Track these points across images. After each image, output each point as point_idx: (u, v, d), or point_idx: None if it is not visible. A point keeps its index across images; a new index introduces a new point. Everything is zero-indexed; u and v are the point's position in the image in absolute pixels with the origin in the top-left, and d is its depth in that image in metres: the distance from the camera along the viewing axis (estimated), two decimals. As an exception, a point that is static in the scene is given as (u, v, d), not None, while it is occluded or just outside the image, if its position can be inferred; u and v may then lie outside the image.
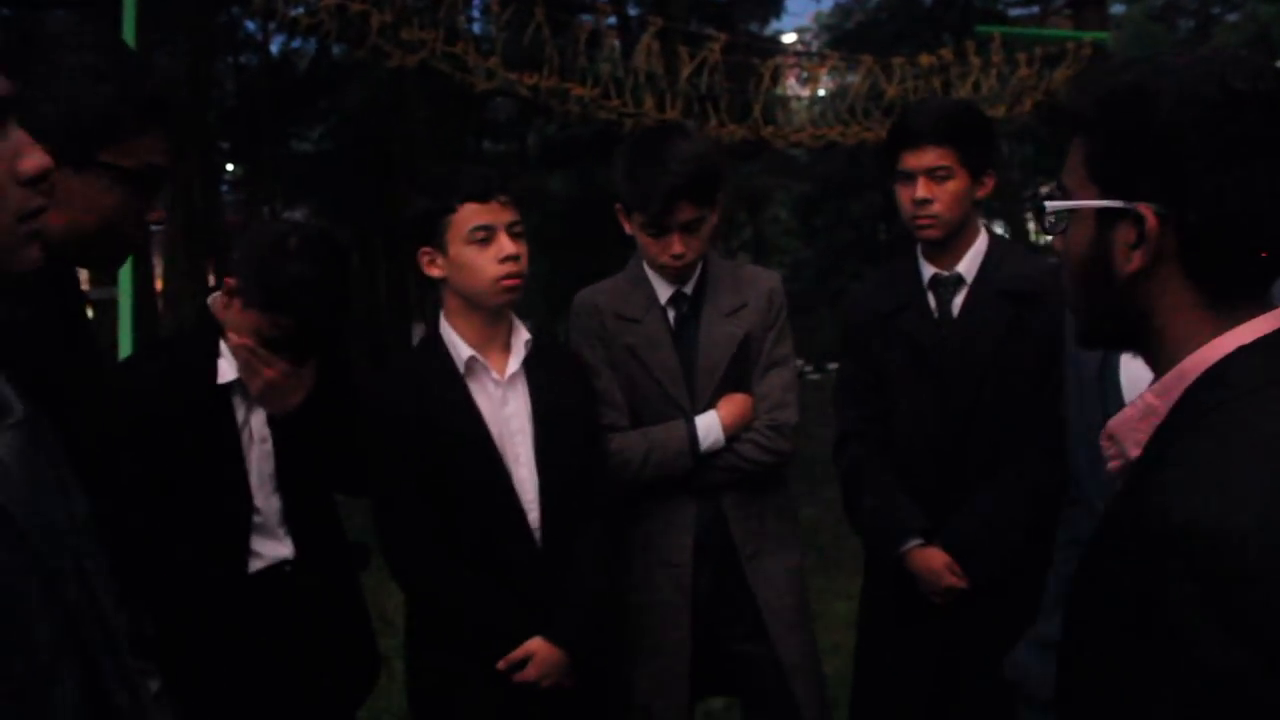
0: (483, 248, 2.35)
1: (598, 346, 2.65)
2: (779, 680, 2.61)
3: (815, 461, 4.35)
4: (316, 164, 24.69)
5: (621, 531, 2.62)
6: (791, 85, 12.64)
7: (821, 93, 12.92)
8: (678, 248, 2.54)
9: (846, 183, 24.61)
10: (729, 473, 2.61)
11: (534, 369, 2.45)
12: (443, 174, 2.45)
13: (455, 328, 2.44)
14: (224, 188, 21.79)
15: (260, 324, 2.21)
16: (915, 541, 2.62)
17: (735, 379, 2.63)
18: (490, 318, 2.43)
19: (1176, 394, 1.15)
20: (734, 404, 2.60)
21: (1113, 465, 1.24)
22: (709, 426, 2.57)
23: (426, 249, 2.40)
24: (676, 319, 2.67)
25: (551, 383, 2.46)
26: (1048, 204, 1.23)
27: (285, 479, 2.32)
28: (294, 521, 2.34)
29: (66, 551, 1.12)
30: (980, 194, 2.64)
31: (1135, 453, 1.19)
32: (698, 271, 2.66)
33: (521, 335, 2.47)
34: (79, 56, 1.51)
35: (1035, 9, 22.57)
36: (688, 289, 2.67)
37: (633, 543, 2.64)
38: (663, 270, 2.63)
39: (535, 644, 2.34)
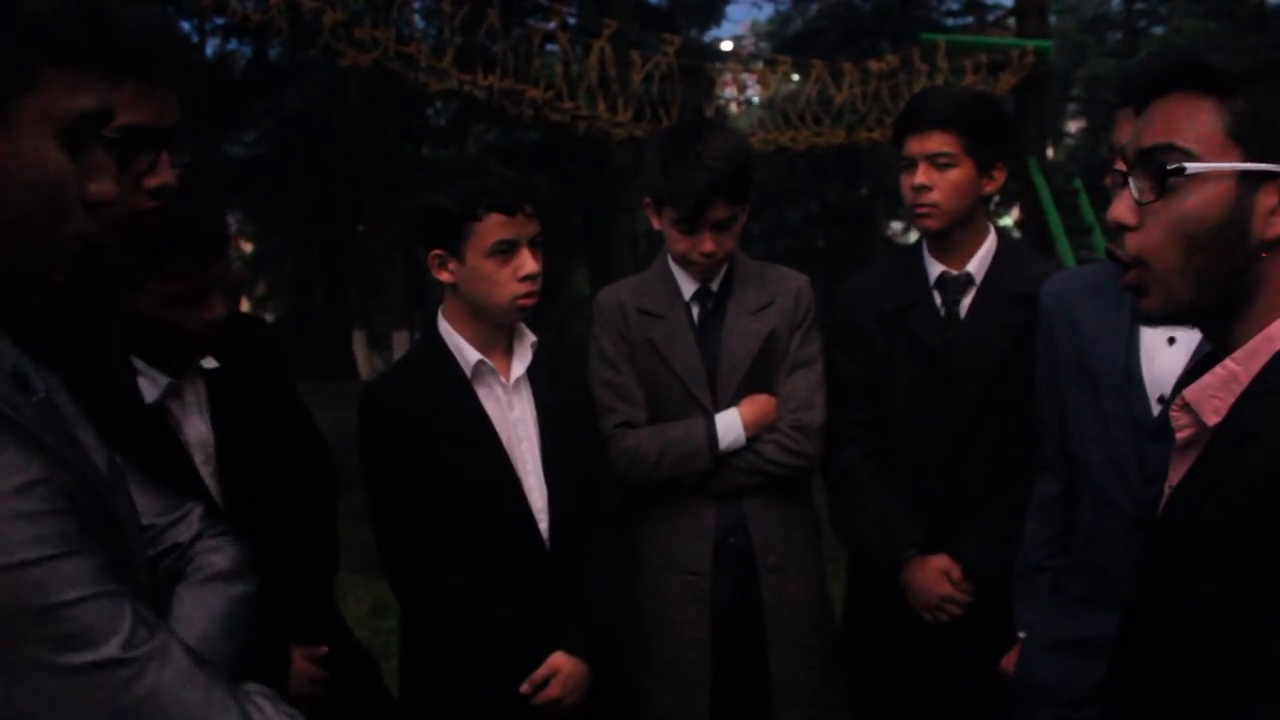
0: (503, 261, 2.23)
1: (619, 341, 2.57)
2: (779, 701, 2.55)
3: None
4: (250, 168, 24.33)
5: (627, 537, 2.55)
6: (730, 92, 12.65)
7: (755, 99, 12.98)
8: (709, 245, 2.48)
9: (783, 190, 24.77)
10: (750, 475, 2.53)
11: (538, 372, 2.37)
12: (467, 172, 2.24)
13: (459, 331, 2.34)
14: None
15: (163, 287, 1.94)
16: (912, 552, 2.55)
17: (759, 379, 2.56)
18: (497, 323, 2.34)
19: (1264, 359, 1.16)
20: (756, 403, 2.53)
21: (1182, 434, 1.24)
22: (729, 425, 2.50)
23: (439, 251, 2.26)
24: (700, 315, 2.60)
25: (556, 386, 2.38)
26: (1189, 166, 1.18)
27: (229, 493, 2.14)
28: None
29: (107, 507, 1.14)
30: (989, 188, 2.57)
31: (1214, 420, 1.19)
32: (724, 268, 2.59)
33: (527, 338, 2.38)
34: None
35: (970, 19, 22.92)
36: (713, 286, 2.60)
37: (649, 548, 2.57)
38: (691, 267, 2.56)
39: (558, 659, 2.24)
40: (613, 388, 2.57)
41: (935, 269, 2.62)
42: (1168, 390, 2.02)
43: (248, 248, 32.10)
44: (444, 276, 2.28)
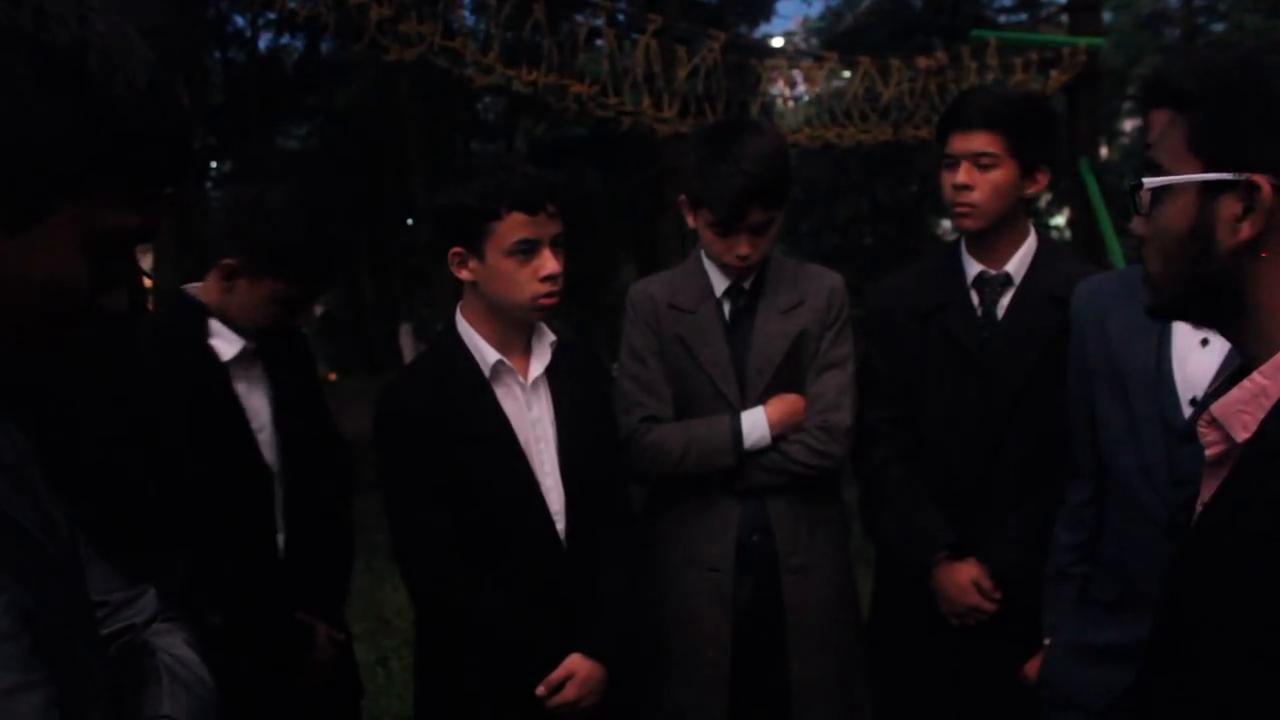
0: (524, 261, 2.20)
1: (649, 335, 2.56)
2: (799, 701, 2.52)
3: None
4: (302, 162, 24.62)
5: (647, 536, 2.53)
6: (779, 88, 12.60)
7: (805, 96, 12.89)
8: (744, 249, 2.47)
9: (833, 187, 24.63)
10: (775, 474, 2.51)
11: (556, 372, 2.33)
12: (489, 170, 2.22)
13: (478, 330, 2.30)
14: (209, 184, 21.65)
15: (276, 290, 2.17)
16: (943, 555, 2.52)
17: (789, 378, 2.54)
18: (516, 322, 2.30)
19: None
20: (784, 402, 2.51)
21: (1213, 450, 1.22)
22: (755, 423, 2.49)
23: (459, 249, 2.23)
24: (732, 312, 2.58)
25: (574, 386, 2.35)
26: (1147, 181, 1.23)
27: (285, 469, 2.29)
28: (289, 514, 2.31)
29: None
30: (1031, 190, 2.53)
31: (1244, 435, 1.17)
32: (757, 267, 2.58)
33: (546, 337, 2.34)
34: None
35: (1024, 16, 22.65)
36: (745, 283, 2.58)
37: (672, 545, 2.56)
38: (726, 268, 2.55)
39: (574, 662, 2.22)
40: (640, 382, 2.57)
41: (974, 268, 2.58)
42: (1200, 392, 1.98)
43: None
44: (464, 275, 2.25)
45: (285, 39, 22.18)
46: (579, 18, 9.55)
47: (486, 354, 2.28)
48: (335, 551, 2.46)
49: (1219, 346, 2.00)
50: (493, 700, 2.24)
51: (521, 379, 2.30)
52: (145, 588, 1.27)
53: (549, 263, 2.20)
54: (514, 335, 2.31)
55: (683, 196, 2.55)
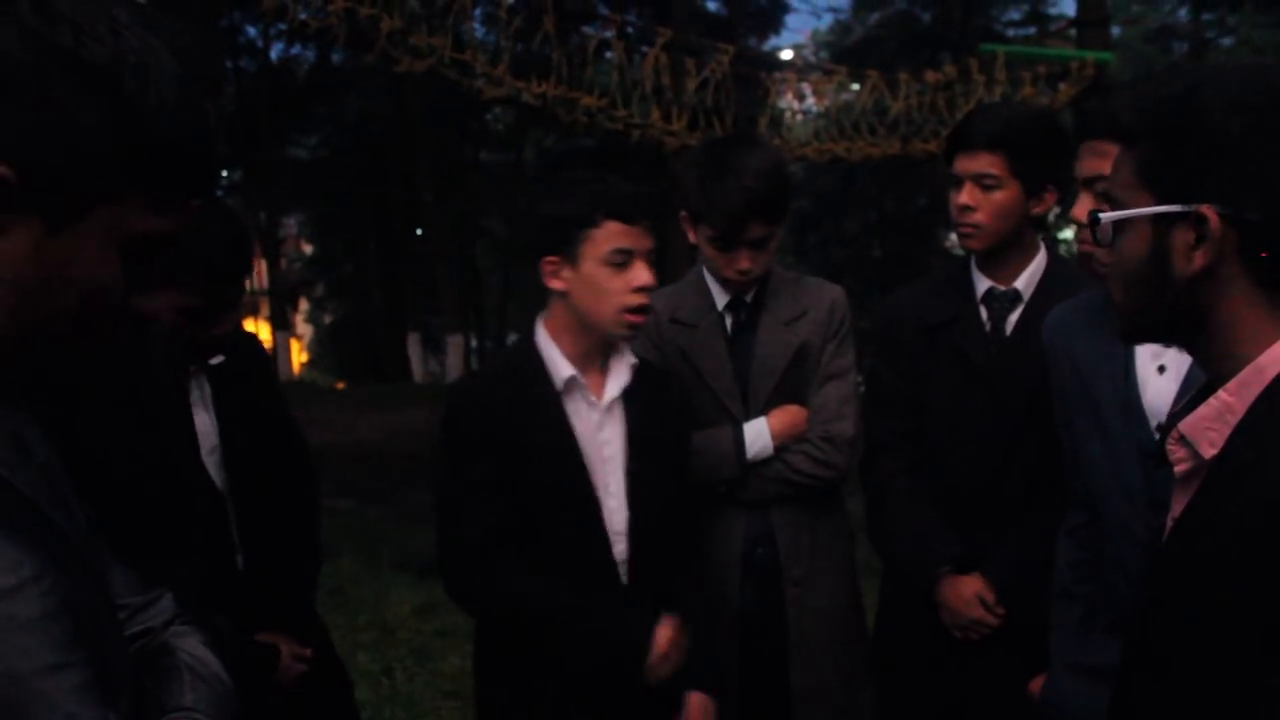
0: (618, 271, 2.19)
1: (651, 349, 2.57)
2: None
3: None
4: (312, 171, 24.71)
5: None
6: (789, 101, 12.63)
7: (816, 108, 12.90)
8: (745, 264, 2.48)
9: (841, 200, 24.65)
10: (779, 484, 2.53)
11: (633, 395, 2.30)
12: (587, 180, 2.25)
13: (557, 342, 2.28)
14: (219, 193, 21.72)
15: (178, 299, 2.06)
16: (947, 569, 2.52)
17: (792, 390, 2.55)
18: (599, 339, 2.27)
19: (1256, 391, 1.18)
20: (786, 413, 2.53)
21: (1180, 467, 1.25)
22: (757, 433, 2.50)
23: (553, 258, 2.22)
24: (734, 325, 2.60)
25: (649, 411, 2.32)
26: (1103, 215, 1.26)
27: (235, 489, 2.25)
28: (244, 534, 2.28)
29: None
30: (1038, 209, 2.53)
31: (1211, 452, 1.20)
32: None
33: (626, 358, 2.31)
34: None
35: (1033, 30, 22.69)
36: (747, 296, 2.60)
37: None
38: (727, 283, 2.57)
39: (665, 627, 2.18)
40: None
41: (983, 284, 2.59)
42: (1163, 417, 2.00)
43: (307, 249, 32.53)
44: (556, 284, 2.24)
45: (296, 49, 22.28)
46: (588, 30, 9.59)
47: (561, 367, 2.26)
48: (296, 565, 2.45)
49: (1175, 372, 2.04)
50: (555, 703, 2.21)
51: (593, 398, 2.28)
52: (161, 591, 1.31)
53: (642, 274, 2.20)
54: (594, 353, 2.29)
55: (684, 212, 2.56)
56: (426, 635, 5.19)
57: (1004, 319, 2.56)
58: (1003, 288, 2.57)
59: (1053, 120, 2.70)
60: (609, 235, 2.18)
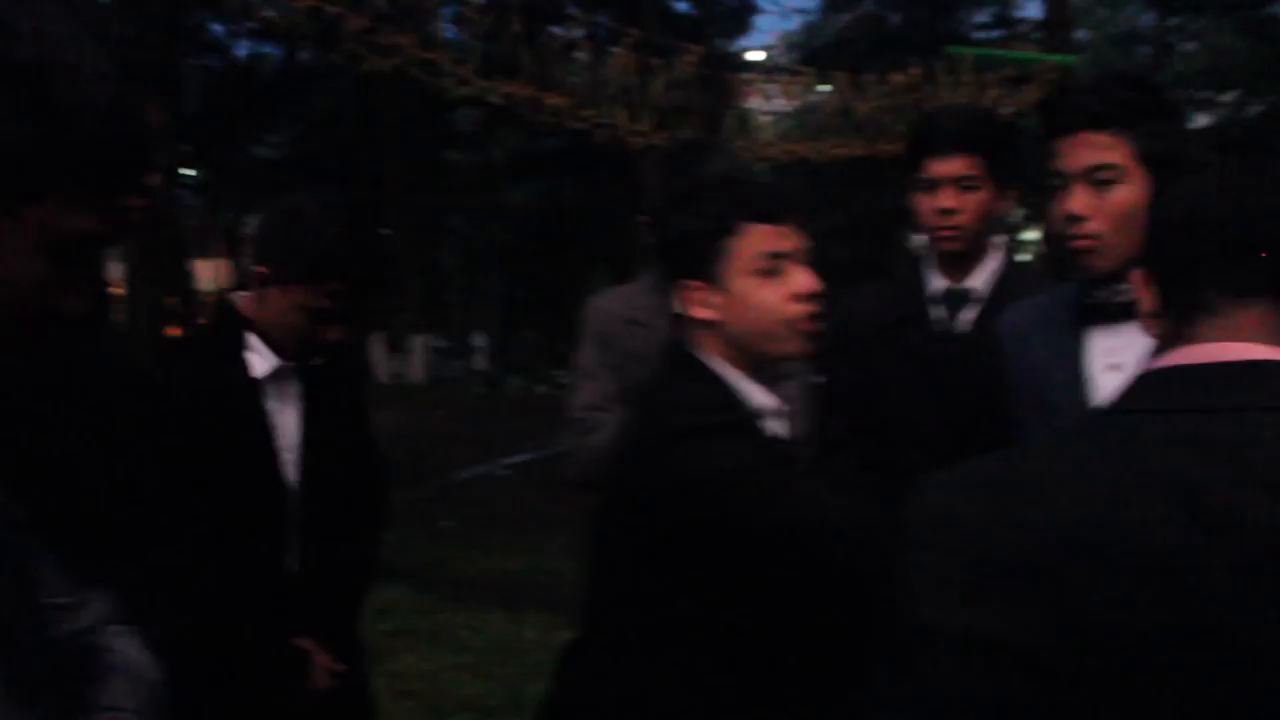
0: (772, 280, 1.83)
1: (605, 350, 2.58)
2: None
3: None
4: (279, 170, 24.56)
5: None
6: (757, 102, 12.67)
7: (785, 109, 12.95)
8: None
9: (808, 201, 24.72)
10: None
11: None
12: (717, 185, 1.93)
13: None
14: (183, 191, 21.55)
15: (307, 298, 2.16)
16: None
17: None
18: (766, 366, 1.90)
19: None
20: None
21: None
22: None
23: (694, 283, 1.85)
24: None
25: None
26: None
27: (306, 490, 2.27)
28: (306, 536, 2.28)
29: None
30: (1002, 207, 2.55)
31: None
32: None
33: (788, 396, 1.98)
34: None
35: (1000, 32, 22.88)
36: None
37: None
38: None
39: None
40: (585, 392, 2.59)
41: (938, 282, 2.61)
42: None
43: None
44: (704, 314, 1.85)
45: (264, 47, 22.16)
46: (556, 30, 9.60)
47: (761, 396, 1.87)
48: (349, 577, 2.43)
49: (1128, 372, 2.04)
50: None
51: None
52: (96, 592, 1.30)
53: (803, 279, 1.85)
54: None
55: (644, 217, 2.55)
56: (380, 635, 5.17)
57: (959, 317, 2.59)
58: (958, 286, 2.59)
59: (1008, 121, 2.74)
60: (754, 240, 1.83)
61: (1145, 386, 1.09)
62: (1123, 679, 0.93)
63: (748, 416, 1.83)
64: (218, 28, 20.71)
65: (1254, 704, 0.91)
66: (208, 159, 21.50)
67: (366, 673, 2.50)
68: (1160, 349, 1.13)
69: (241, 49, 22.06)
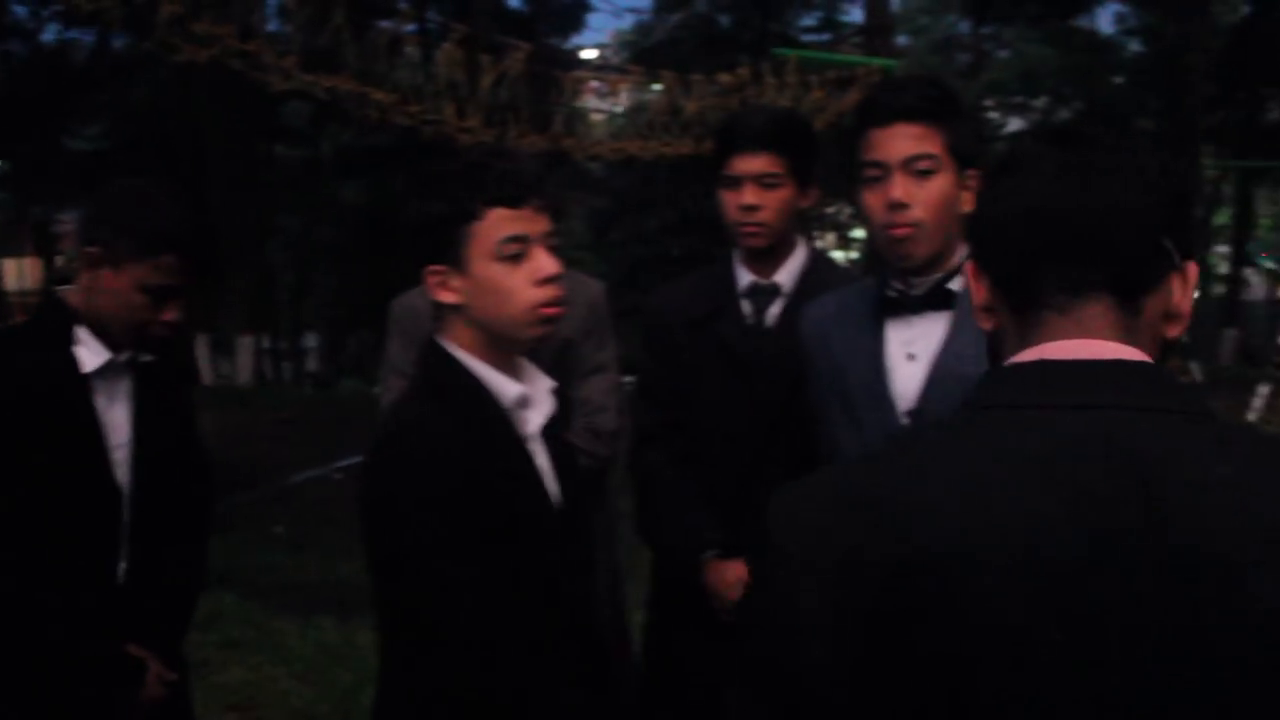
0: (515, 265, 1.82)
1: (409, 346, 2.56)
2: None
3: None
4: (93, 163, 23.44)
5: None
6: (591, 100, 12.73)
7: (619, 108, 13.05)
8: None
9: (642, 198, 24.94)
10: None
11: (554, 426, 1.99)
12: (460, 171, 1.90)
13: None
14: (-12, 185, 20.44)
15: (144, 274, 2.10)
16: (712, 554, 2.58)
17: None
18: (512, 357, 1.92)
19: None
20: None
21: None
22: None
23: (437, 267, 1.85)
24: None
25: (565, 442, 2.06)
26: None
27: (136, 491, 2.21)
28: (135, 539, 2.21)
29: None
30: (804, 204, 2.64)
31: None
32: None
33: (542, 381, 1.98)
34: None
35: (828, 36, 23.51)
36: None
37: None
38: None
39: None
40: (393, 390, 2.58)
41: (745, 278, 2.68)
42: (912, 404, 2.12)
43: (89, 246, 30.82)
44: (448, 297, 1.86)
45: (73, 33, 21.14)
46: (384, 24, 9.45)
47: (506, 386, 1.87)
48: (180, 583, 2.36)
49: (924, 360, 2.13)
50: None
51: (530, 431, 1.93)
52: None
53: (546, 263, 1.84)
54: (511, 369, 1.91)
55: None
56: (208, 648, 5.01)
57: (765, 312, 2.66)
58: (765, 282, 2.67)
59: (807, 121, 2.83)
60: (495, 224, 1.82)
61: (1008, 381, 1.05)
62: (1014, 683, 0.90)
63: (478, 404, 1.85)
64: (20, 10, 19.69)
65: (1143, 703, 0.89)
66: (10, 151, 20.39)
67: (188, 683, 2.44)
68: (999, 343, 1.11)
69: (49, 34, 21.03)
